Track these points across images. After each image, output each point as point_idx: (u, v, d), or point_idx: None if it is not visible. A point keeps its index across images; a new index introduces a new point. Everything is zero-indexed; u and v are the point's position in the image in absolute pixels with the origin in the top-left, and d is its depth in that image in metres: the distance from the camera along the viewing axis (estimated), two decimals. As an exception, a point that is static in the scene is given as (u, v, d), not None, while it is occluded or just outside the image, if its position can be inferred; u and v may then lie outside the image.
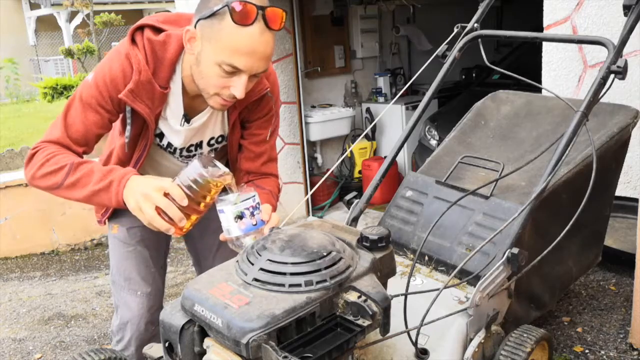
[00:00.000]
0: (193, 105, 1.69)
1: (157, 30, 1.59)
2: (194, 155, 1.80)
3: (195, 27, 1.50)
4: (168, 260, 2.09)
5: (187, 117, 1.69)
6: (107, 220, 1.93)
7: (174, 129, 1.71)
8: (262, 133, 1.80)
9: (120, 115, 1.66)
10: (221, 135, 1.80)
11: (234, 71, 1.48)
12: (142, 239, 1.90)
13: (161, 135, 1.74)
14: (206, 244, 2.02)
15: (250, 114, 1.77)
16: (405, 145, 2.43)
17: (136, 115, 1.62)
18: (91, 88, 1.58)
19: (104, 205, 1.66)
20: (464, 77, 5.63)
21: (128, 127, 1.64)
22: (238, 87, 1.50)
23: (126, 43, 1.58)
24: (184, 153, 1.79)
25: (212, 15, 1.44)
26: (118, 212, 1.88)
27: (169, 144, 1.76)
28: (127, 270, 1.90)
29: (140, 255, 1.91)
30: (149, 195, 1.45)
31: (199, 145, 1.79)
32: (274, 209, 1.73)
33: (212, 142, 1.80)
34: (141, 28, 1.59)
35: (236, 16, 1.41)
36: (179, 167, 1.73)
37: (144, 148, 1.71)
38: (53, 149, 1.57)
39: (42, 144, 1.59)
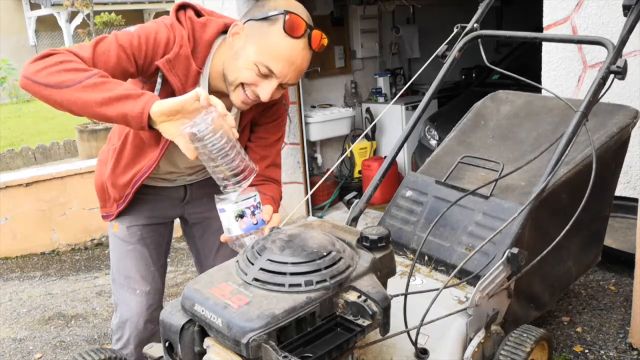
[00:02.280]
0: None
1: (197, 13, 1.65)
2: None
3: (244, 24, 1.57)
4: (168, 260, 2.09)
5: None
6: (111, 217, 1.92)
7: None
8: (270, 137, 1.84)
9: (145, 87, 1.61)
10: None
11: (268, 74, 1.54)
12: (142, 238, 1.91)
13: None
14: (207, 243, 2.02)
15: (261, 117, 1.80)
16: (405, 145, 2.43)
17: (165, 88, 1.61)
18: (132, 37, 1.54)
19: (119, 113, 1.41)
20: (464, 77, 5.64)
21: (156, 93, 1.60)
22: (265, 90, 1.56)
23: (172, 18, 1.61)
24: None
25: (265, 18, 1.52)
26: (121, 211, 1.89)
27: None
28: (127, 268, 1.90)
29: (140, 254, 1.91)
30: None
31: None
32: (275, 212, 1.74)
33: None
34: (184, 7, 1.63)
35: (288, 26, 1.50)
36: (195, 163, 1.72)
37: None
38: (79, 59, 1.46)
39: (66, 51, 1.48)
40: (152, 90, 1.59)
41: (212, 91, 1.67)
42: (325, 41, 1.58)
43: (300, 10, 1.56)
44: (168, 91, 1.61)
